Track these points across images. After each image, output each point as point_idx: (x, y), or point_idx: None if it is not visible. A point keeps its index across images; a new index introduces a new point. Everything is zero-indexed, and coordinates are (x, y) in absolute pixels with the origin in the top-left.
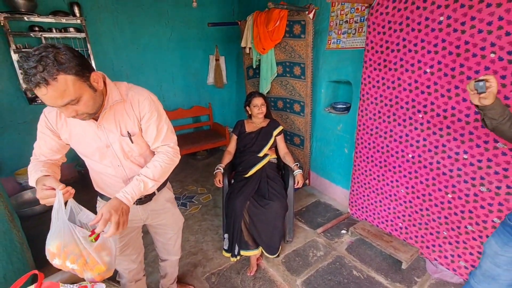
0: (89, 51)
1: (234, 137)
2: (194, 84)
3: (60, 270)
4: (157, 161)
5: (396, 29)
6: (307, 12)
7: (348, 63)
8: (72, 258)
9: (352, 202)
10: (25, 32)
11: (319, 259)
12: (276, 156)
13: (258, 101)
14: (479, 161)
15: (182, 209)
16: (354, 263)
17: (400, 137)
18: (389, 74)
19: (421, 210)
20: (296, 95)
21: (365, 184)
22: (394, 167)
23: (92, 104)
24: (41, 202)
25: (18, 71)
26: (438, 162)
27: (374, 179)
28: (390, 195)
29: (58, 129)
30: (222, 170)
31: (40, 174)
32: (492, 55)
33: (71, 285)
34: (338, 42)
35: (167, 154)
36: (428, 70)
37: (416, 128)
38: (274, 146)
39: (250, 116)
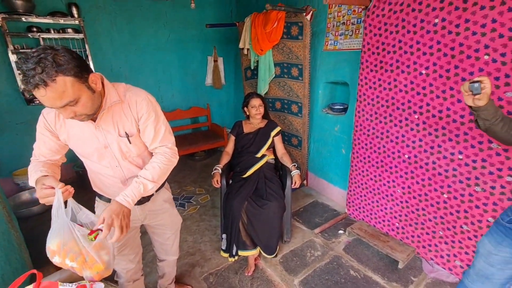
0: (87, 52)
1: (232, 138)
2: (192, 85)
3: (59, 269)
4: (155, 162)
5: (392, 31)
6: (304, 14)
7: (345, 65)
8: (71, 256)
9: (349, 203)
10: (23, 32)
11: (317, 259)
12: (274, 157)
13: (256, 102)
14: (474, 161)
15: (180, 210)
16: (351, 263)
17: (397, 137)
18: (386, 76)
19: (417, 210)
20: (294, 96)
21: (362, 184)
22: (391, 168)
23: (91, 105)
24: (41, 201)
25: (16, 72)
26: (433, 163)
27: (371, 179)
28: (387, 195)
29: (57, 130)
30: (220, 171)
31: (40, 174)
32: (486, 57)
33: (70, 284)
34: (335, 44)
35: (165, 155)
36: (423, 72)
37: (412, 129)
38: (272, 147)
39: (248, 117)
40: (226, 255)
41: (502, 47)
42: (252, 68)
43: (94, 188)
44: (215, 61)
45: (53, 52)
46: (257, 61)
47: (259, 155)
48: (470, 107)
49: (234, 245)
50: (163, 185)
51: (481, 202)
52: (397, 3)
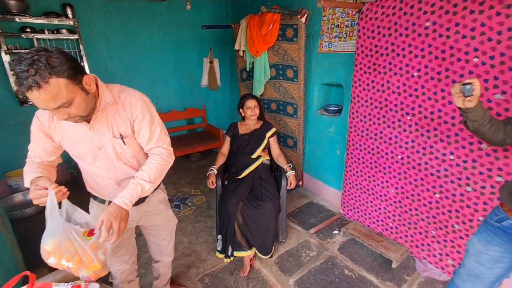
0: (82, 53)
1: (228, 139)
2: (188, 86)
3: (53, 271)
4: (152, 163)
5: (385, 33)
6: (299, 16)
7: (340, 66)
8: (67, 256)
9: (344, 203)
10: (16, 33)
11: (312, 259)
12: (269, 158)
13: (251, 103)
14: (465, 161)
15: (176, 211)
16: (346, 263)
17: (390, 138)
18: (379, 77)
19: (410, 210)
20: (289, 97)
21: (356, 185)
22: (384, 168)
23: (85, 106)
24: (34, 202)
25: (9, 73)
26: (426, 163)
27: (365, 180)
28: (381, 196)
29: (51, 132)
30: (215, 172)
31: (34, 175)
32: (476, 60)
33: (65, 284)
34: (329, 46)
35: (161, 156)
36: (415, 74)
37: (404, 130)
38: (267, 148)
39: (243, 118)
40: (222, 256)
41: (491, 50)
42: (248, 69)
43: (89, 189)
44: (211, 62)
45: (47, 54)
46: (253, 62)
47: (254, 156)
48: (460, 108)
49: (230, 246)
50: (158, 186)
51: (472, 201)
52: (390, 6)
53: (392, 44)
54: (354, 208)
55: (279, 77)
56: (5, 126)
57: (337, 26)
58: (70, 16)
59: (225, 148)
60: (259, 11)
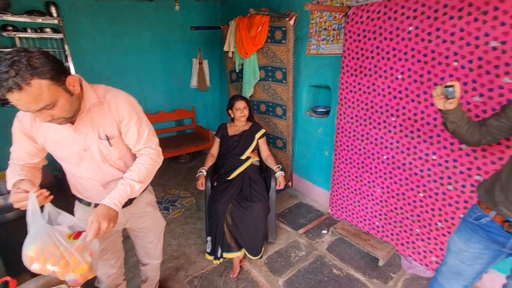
0: (66, 53)
1: (217, 140)
2: (176, 87)
3: (36, 276)
4: (141, 163)
5: (370, 37)
6: (287, 19)
7: (327, 69)
8: (53, 260)
9: (332, 203)
10: None
11: (301, 259)
12: (258, 159)
13: (240, 104)
14: (446, 161)
15: (165, 213)
16: (334, 262)
17: (376, 139)
18: (365, 80)
19: (395, 209)
20: (278, 99)
21: (344, 185)
22: (371, 168)
23: (69, 108)
24: (15, 205)
25: None
26: (410, 163)
27: (353, 180)
28: (368, 195)
29: (33, 133)
30: (204, 173)
31: (17, 178)
32: (455, 63)
33: None
34: (317, 48)
35: (150, 156)
36: (399, 77)
37: (390, 131)
38: (257, 149)
39: (232, 120)
40: (211, 257)
41: (469, 54)
42: (237, 71)
43: (73, 192)
44: (200, 63)
45: (28, 55)
46: (242, 64)
47: (243, 157)
48: (441, 110)
49: (219, 248)
50: (146, 187)
51: (453, 200)
52: (375, 11)
53: (377, 47)
54: (342, 208)
55: (268, 78)
56: None
57: (325, 29)
58: (55, 15)
59: (215, 150)
60: (248, 13)
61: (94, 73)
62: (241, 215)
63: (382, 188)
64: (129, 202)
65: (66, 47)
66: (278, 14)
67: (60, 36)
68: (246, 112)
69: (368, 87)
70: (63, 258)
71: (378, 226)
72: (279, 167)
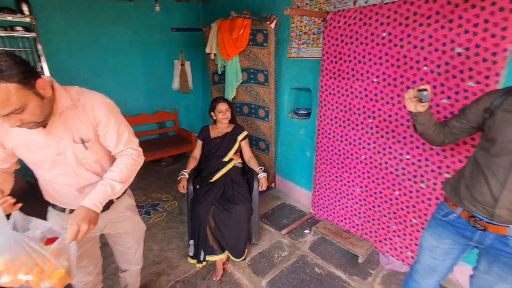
0: (39, 52)
1: (200, 143)
2: (157, 89)
3: None
4: (122, 163)
5: (347, 42)
6: (268, 22)
7: (308, 72)
8: (25, 269)
9: (314, 203)
10: None
11: (284, 259)
12: (241, 161)
13: (222, 106)
14: (419, 160)
15: (146, 218)
16: (316, 261)
17: (354, 140)
18: (343, 83)
19: (373, 207)
20: (261, 101)
21: (325, 185)
22: (350, 168)
23: (39, 112)
24: None
25: None
26: (386, 163)
27: (333, 180)
28: (347, 194)
29: (2, 138)
30: (187, 176)
31: None
32: (425, 68)
33: None
34: (298, 52)
35: (131, 156)
36: (375, 80)
37: (367, 132)
38: (239, 151)
39: (215, 122)
40: (194, 261)
41: (437, 59)
42: (220, 73)
43: (47, 198)
44: (182, 65)
45: None
46: (224, 66)
47: (226, 159)
48: (411, 112)
49: (202, 251)
50: (125, 191)
51: (426, 197)
52: (351, 17)
53: (354, 51)
54: (323, 208)
55: (251, 81)
56: None
57: (305, 33)
58: (27, 12)
59: (197, 152)
60: (229, 15)
61: (69, 74)
62: (224, 217)
63: (361, 187)
64: (107, 206)
65: (39, 46)
66: (259, 17)
67: (32, 35)
68: (228, 114)
69: (346, 90)
70: (36, 265)
71: (357, 224)
72: (261, 168)
